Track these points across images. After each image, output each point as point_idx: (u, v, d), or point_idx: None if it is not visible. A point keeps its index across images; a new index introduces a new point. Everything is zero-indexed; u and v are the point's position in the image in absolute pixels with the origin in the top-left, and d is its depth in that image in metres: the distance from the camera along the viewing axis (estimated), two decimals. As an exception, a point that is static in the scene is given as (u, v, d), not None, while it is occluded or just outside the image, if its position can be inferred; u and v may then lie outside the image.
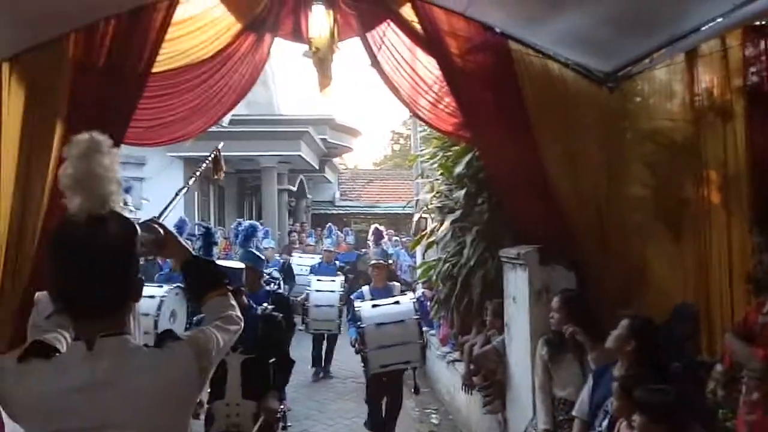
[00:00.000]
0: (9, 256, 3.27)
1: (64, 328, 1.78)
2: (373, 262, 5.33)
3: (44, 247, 3.05)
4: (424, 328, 4.81)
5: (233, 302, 1.57)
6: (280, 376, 3.35)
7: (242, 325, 1.55)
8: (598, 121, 3.64)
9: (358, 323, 4.40)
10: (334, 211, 20.53)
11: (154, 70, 3.45)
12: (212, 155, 3.31)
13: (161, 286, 4.95)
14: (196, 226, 11.87)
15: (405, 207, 10.75)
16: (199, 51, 3.61)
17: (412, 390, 4.96)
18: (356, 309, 4.52)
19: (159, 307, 4.64)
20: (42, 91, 3.36)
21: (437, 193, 5.31)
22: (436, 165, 5.31)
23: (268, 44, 3.76)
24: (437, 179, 5.38)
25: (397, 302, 4.59)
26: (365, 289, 5.15)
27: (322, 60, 3.55)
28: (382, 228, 6.97)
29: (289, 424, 3.66)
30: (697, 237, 3.18)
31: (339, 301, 6.53)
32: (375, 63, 3.73)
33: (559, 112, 3.61)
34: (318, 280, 6.86)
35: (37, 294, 2.50)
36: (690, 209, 3.28)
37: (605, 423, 2.76)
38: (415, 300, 4.70)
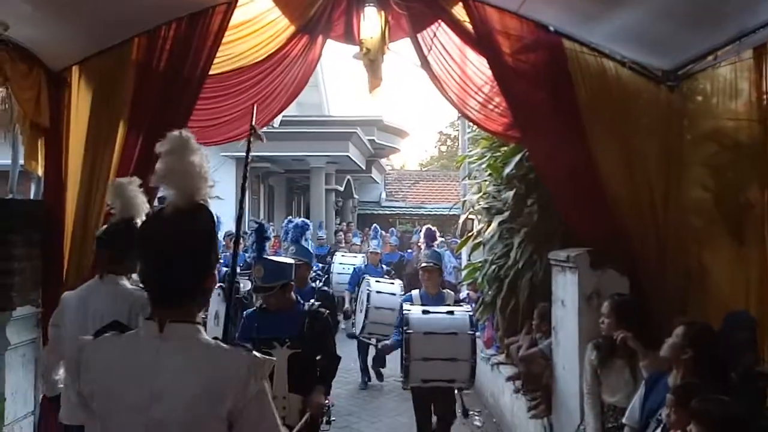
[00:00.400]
0: (73, 253, 3.47)
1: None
2: (423, 264, 4.82)
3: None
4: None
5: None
6: (326, 371, 3.39)
7: None
8: (656, 120, 3.51)
9: (405, 328, 4.00)
10: (380, 212, 20.65)
11: (211, 72, 3.57)
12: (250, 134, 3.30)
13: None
14: (249, 222, 12.25)
15: (451, 208, 10.70)
16: (255, 53, 3.72)
17: (461, 412, 4.55)
18: (404, 312, 4.16)
19: (205, 308, 4.78)
20: (107, 93, 3.55)
21: (485, 194, 5.26)
22: (484, 166, 5.25)
23: (320, 46, 3.83)
24: (485, 180, 5.32)
25: (451, 312, 4.15)
26: (415, 293, 4.73)
27: (372, 61, 3.58)
28: (434, 228, 6.27)
29: (333, 418, 3.69)
30: (761, 242, 3.02)
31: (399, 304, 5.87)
32: (425, 64, 3.74)
33: (615, 111, 3.51)
34: (377, 281, 6.42)
35: (64, 294, 2.78)
36: (754, 213, 3.12)
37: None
38: (471, 314, 4.24)
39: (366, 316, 6.00)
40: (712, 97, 3.43)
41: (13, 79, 3.16)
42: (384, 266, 8.16)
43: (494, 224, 4.82)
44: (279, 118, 10.72)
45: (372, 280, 6.42)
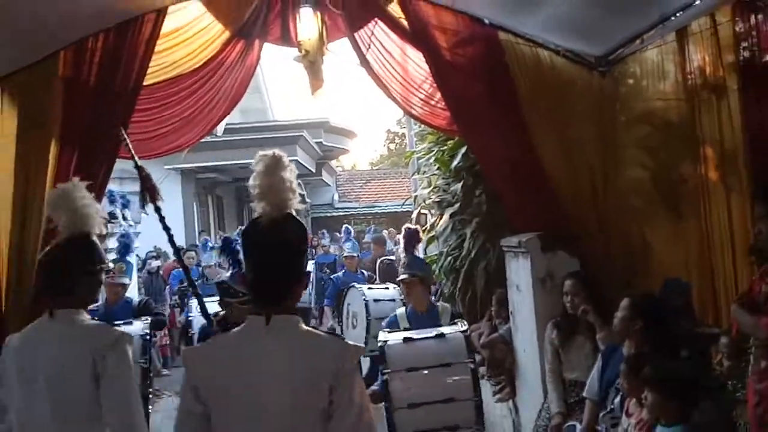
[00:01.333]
0: (11, 276, 3.27)
1: None
2: (402, 276, 3.94)
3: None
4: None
5: None
6: None
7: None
8: (591, 106, 3.64)
9: (382, 367, 3.10)
10: (334, 214, 20.54)
11: (145, 82, 3.46)
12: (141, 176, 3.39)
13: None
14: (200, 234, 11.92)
15: (403, 205, 10.73)
16: (190, 61, 3.62)
17: None
18: (380, 343, 3.20)
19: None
20: (34, 111, 3.36)
21: (435, 187, 5.31)
22: (432, 160, 5.31)
23: (258, 50, 3.76)
24: (434, 174, 5.38)
25: (441, 335, 3.19)
26: (400, 312, 3.84)
27: (312, 63, 3.55)
28: (416, 227, 4.90)
29: None
30: (697, 215, 3.19)
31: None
32: (365, 63, 3.73)
33: (552, 99, 3.61)
34: (369, 288, 5.61)
35: (7, 339, 2.19)
36: (688, 188, 3.29)
37: (617, 401, 2.78)
38: (467, 331, 3.27)
39: (367, 331, 4.94)
40: (641, 80, 3.59)
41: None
42: (364, 272, 7.24)
43: (446, 216, 4.87)
44: (222, 126, 10.51)
45: (364, 288, 5.52)
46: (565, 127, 3.61)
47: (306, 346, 1.57)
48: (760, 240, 2.32)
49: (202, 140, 4.17)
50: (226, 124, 10.34)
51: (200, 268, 8.59)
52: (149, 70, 3.45)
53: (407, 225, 4.46)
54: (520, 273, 3.72)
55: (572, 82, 3.67)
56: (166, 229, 3.44)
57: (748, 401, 2.26)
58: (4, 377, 2.03)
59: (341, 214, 20.58)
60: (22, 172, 3.32)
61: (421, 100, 3.83)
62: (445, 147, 5.01)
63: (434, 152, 5.24)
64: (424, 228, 5.68)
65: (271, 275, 1.60)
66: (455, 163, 4.70)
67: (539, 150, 3.56)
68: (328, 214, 20.45)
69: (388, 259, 9.38)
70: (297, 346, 1.56)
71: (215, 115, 3.90)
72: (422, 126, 5.81)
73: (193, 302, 5.40)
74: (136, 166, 3.39)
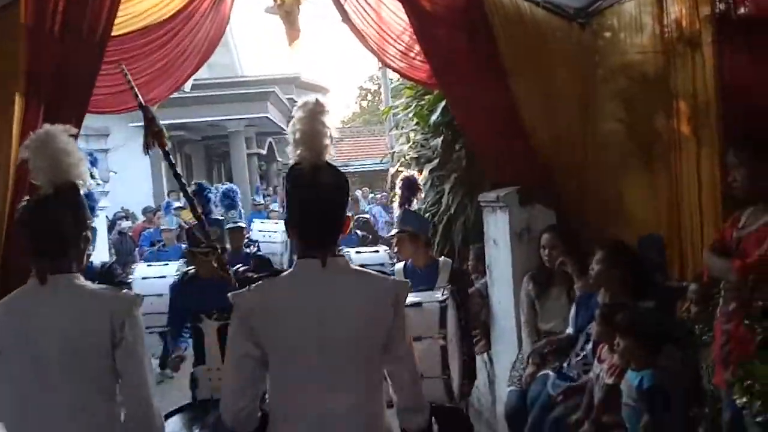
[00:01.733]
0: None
1: None
2: (392, 232, 3.74)
3: (14, 223, 2.93)
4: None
5: None
6: None
7: None
8: (571, 59, 3.64)
9: None
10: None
11: (113, 33, 3.31)
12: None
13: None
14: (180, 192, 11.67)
15: (381, 162, 10.67)
16: (159, 11, 3.47)
17: None
18: None
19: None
20: (-4, 63, 3.20)
21: (413, 143, 5.30)
22: (410, 115, 5.27)
23: (231, 0, 3.63)
24: (413, 129, 5.35)
25: (418, 304, 2.83)
26: (398, 268, 3.54)
27: (288, 13, 3.45)
28: (413, 174, 4.25)
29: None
30: (668, 167, 3.26)
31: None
32: (343, 14, 3.64)
33: (532, 51, 3.59)
34: (357, 252, 5.45)
35: None
36: (662, 142, 3.35)
37: (588, 347, 2.91)
38: (444, 301, 2.90)
39: None
40: (619, 32, 3.58)
41: None
42: (357, 232, 7.02)
43: (425, 172, 4.88)
44: (190, 82, 10.15)
45: (352, 252, 5.37)
46: (545, 80, 3.62)
47: (365, 284, 1.67)
48: (735, 188, 2.40)
49: (170, 97, 4.02)
50: (194, 80, 9.99)
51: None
52: (117, 20, 3.29)
53: (405, 174, 4.00)
54: (498, 227, 3.79)
55: (552, 34, 3.65)
56: (177, 176, 3.29)
57: (715, 341, 2.39)
58: None
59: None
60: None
61: (400, 52, 3.77)
62: (424, 101, 4.97)
63: (412, 107, 5.19)
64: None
65: (327, 218, 1.66)
66: (434, 117, 4.67)
67: (518, 103, 3.56)
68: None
69: (363, 217, 9.44)
70: (354, 284, 1.65)
71: (188, 67, 3.79)
72: (399, 80, 5.74)
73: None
74: (141, 107, 3.12)
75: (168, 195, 11.70)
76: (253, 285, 1.65)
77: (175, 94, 5.22)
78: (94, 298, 1.78)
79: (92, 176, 7.10)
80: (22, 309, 1.74)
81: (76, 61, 3.22)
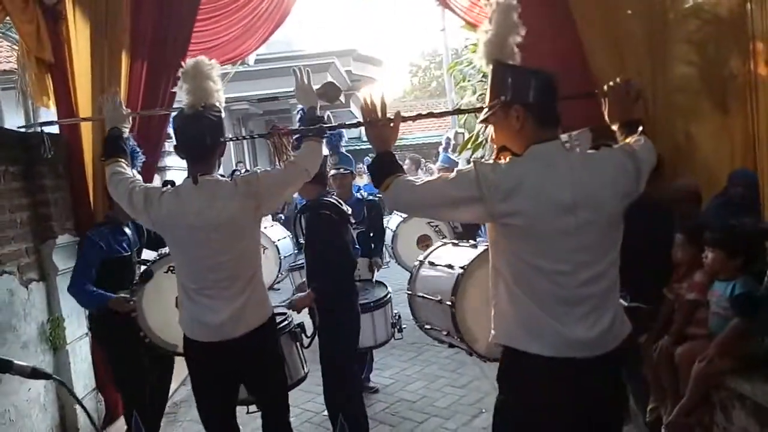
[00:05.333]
0: (96, 183, 3.55)
1: None
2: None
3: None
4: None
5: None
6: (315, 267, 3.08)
7: None
8: (641, 2, 3.63)
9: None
10: (364, 147, 20.56)
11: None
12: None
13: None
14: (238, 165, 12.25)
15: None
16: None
17: None
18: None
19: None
20: (103, 24, 3.54)
21: (481, 94, 5.37)
22: (477, 69, 5.34)
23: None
24: (480, 81, 5.43)
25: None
26: None
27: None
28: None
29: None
30: (744, 111, 3.24)
31: None
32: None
33: (601, -3, 3.60)
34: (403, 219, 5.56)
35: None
36: (736, 84, 3.31)
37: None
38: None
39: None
40: (692, -28, 3.54)
41: (13, 13, 3.16)
42: None
43: (491, 123, 4.94)
44: (253, 56, 10.50)
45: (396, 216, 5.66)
46: (614, 26, 3.62)
47: (606, 165, 1.84)
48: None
49: (236, 70, 4.30)
50: (257, 54, 10.34)
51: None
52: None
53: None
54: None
55: (622, -21, 3.64)
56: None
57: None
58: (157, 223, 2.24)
59: (369, 146, 20.57)
60: (97, 83, 3.54)
61: (470, 1, 3.87)
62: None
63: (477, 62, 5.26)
64: (470, 136, 5.75)
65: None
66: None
67: (587, 47, 3.60)
68: (358, 147, 20.50)
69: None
70: (597, 165, 1.82)
71: (269, 26, 4.04)
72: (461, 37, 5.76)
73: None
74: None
75: (236, 165, 12.27)
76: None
77: (240, 68, 5.50)
78: (235, 185, 2.24)
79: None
80: (189, 197, 2.20)
81: (173, 17, 3.54)
